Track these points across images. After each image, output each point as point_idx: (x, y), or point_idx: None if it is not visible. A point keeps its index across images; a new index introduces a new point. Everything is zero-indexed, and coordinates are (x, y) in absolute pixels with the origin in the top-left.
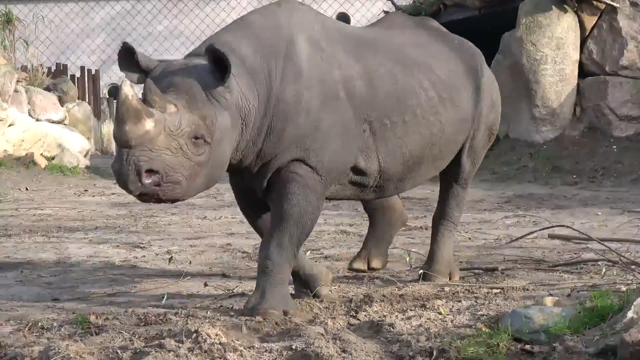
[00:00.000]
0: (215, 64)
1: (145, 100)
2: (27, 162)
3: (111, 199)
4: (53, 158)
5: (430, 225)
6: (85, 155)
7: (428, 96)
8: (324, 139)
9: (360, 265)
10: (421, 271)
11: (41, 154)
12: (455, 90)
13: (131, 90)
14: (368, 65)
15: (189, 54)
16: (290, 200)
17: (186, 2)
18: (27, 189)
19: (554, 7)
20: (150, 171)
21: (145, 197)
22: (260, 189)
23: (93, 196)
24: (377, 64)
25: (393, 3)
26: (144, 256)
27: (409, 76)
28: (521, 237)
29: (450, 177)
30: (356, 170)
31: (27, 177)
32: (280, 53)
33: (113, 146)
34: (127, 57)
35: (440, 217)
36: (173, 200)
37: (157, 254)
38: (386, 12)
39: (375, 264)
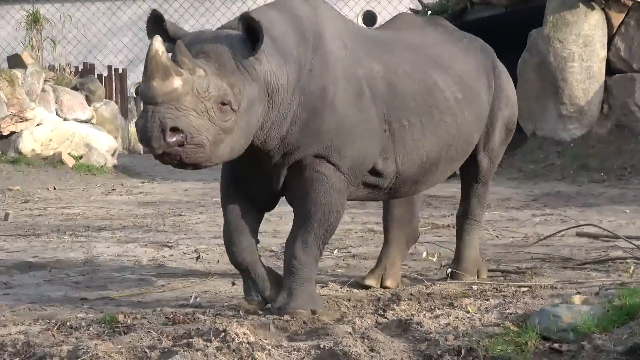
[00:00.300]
0: (247, 32)
1: (174, 61)
2: (54, 161)
3: (139, 198)
4: (81, 157)
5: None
6: (112, 155)
7: (444, 97)
8: (348, 136)
9: (373, 282)
10: (449, 270)
11: (69, 154)
12: (469, 90)
13: (161, 46)
14: (387, 66)
15: (221, 27)
16: (315, 200)
17: (213, 1)
18: (55, 188)
19: (581, 4)
20: (175, 129)
21: (167, 157)
22: (277, 181)
23: (121, 195)
24: (394, 65)
25: (420, 1)
26: (172, 255)
27: (425, 77)
28: (549, 236)
29: (470, 176)
30: (373, 171)
31: (54, 176)
32: (308, 44)
33: (140, 145)
34: (156, 25)
35: (464, 215)
36: (194, 165)
37: (184, 253)
38: (413, 10)
39: (390, 283)
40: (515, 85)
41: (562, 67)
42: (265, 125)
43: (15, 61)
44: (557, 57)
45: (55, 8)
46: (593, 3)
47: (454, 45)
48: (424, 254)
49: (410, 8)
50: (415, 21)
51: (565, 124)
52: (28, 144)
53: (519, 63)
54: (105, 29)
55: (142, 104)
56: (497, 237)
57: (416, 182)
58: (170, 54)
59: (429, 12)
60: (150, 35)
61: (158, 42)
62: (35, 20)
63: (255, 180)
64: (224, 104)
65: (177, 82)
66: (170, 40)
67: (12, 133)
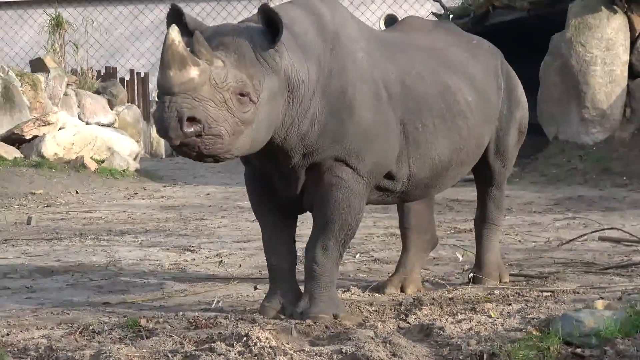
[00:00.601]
0: (267, 24)
1: (192, 51)
2: (77, 165)
3: (161, 202)
4: (103, 161)
5: None
6: (134, 159)
7: (456, 99)
8: (367, 139)
9: (393, 290)
10: (471, 274)
11: (91, 157)
12: (479, 92)
13: (178, 36)
14: (400, 68)
15: (241, 21)
16: (334, 206)
17: (235, 5)
18: (77, 192)
19: (603, 8)
20: (193, 119)
21: (185, 148)
22: (295, 185)
23: (143, 199)
24: (408, 66)
25: (441, 4)
26: (194, 259)
27: (436, 79)
28: (571, 240)
29: (484, 181)
30: (387, 174)
31: (77, 180)
32: (327, 44)
33: (163, 149)
34: (176, 20)
35: (482, 220)
36: (214, 157)
37: (207, 257)
38: (434, 14)
39: (410, 290)
40: (538, 88)
41: (585, 71)
42: (286, 122)
43: (38, 65)
44: (579, 61)
45: (77, 12)
46: (615, 7)
47: (462, 48)
48: (460, 257)
49: (432, 12)
50: (424, 24)
51: (587, 127)
52: (51, 148)
53: (541, 67)
54: (127, 32)
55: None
56: (520, 241)
57: (428, 186)
58: (189, 48)
59: (451, 15)
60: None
61: (175, 32)
62: (57, 24)
63: (277, 184)
64: (242, 95)
65: (194, 72)
66: (190, 34)
67: (35, 137)
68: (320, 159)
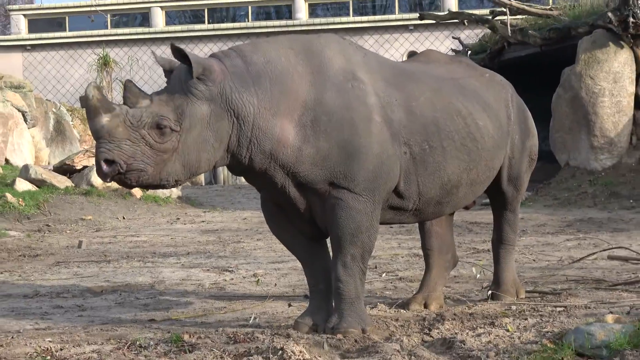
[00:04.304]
0: (182, 60)
1: (123, 97)
2: (124, 193)
3: (201, 227)
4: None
5: None
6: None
7: (466, 123)
8: (354, 160)
9: (417, 307)
10: (489, 292)
11: None
12: (490, 118)
13: (93, 91)
14: (408, 93)
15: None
16: (340, 225)
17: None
18: (124, 217)
19: (611, 44)
20: (109, 161)
21: (119, 183)
22: (300, 208)
23: (184, 224)
24: (417, 93)
25: (460, 42)
26: (232, 279)
27: (447, 105)
28: (582, 259)
29: (498, 205)
30: (397, 193)
31: (124, 207)
32: (305, 77)
33: (202, 177)
34: (164, 61)
35: (498, 241)
36: (149, 186)
37: (244, 277)
38: (454, 50)
39: (433, 307)
40: (550, 118)
41: (594, 102)
42: (242, 142)
43: None
44: (588, 93)
45: (123, 52)
46: (622, 42)
47: (476, 79)
48: (477, 275)
49: (451, 48)
50: (441, 57)
51: (596, 154)
52: (99, 178)
53: (553, 98)
54: None
55: None
56: (534, 260)
57: (439, 203)
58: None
59: (469, 52)
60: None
61: (90, 88)
62: (105, 63)
63: (288, 210)
64: (160, 127)
65: (104, 119)
66: (168, 72)
67: (84, 167)
68: (307, 182)
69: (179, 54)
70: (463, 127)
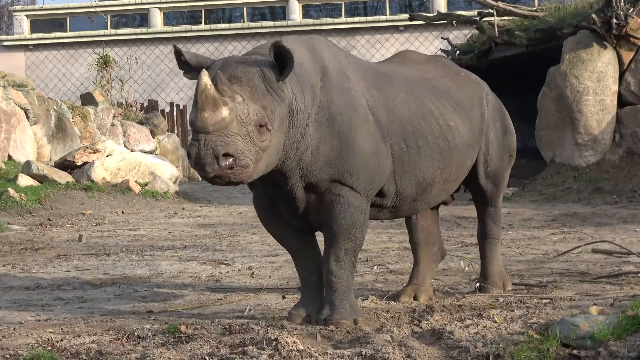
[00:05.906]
0: (277, 58)
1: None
2: (123, 188)
3: (198, 221)
4: (146, 184)
5: None
6: (174, 182)
7: (438, 123)
8: (359, 159)
9: (407, 299)
10: (477, 284)
11: (135, 181)
12: (461, 118)
13: (209, 80)
14: (386, 94)
15: (246, 53)
16: (338, 220)
17: (268, 42)
18: (123, 212)
19: (594, 44)
20: (227, 155)
21: (218, 179)
22: (296, 204)
23: (182, 218)
24: (393, 94)
25: (449, 42)
26: (228, 272)
27: (420, 105)
28: (567, 252)
29: (479, 200)
30: (379, 191)
31: (123, 201)
32: (318, 76)
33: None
34: (179, 59)
35: (483, 235)
36: (238, 183)
37: (239, 270)
38: (443, 51)
39: (423, 299)
40: (536, 116)
41: (578, 100)
42: (287, 144)
43: (88, 99)
44: (573, 92)
45: (123, 51)
46: (605, 43)
47: (449, 79)
48: (465, 268)
49: (440, 49)
50: (417, 57)
51: (581, 151)
52: (99, 173)
53: (539, 97)
54: (167, 69)
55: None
56: (520, 253)
57: (414, 201)
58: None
59: (457, 52)
60: (181, 67)
61: (206, 76)
62: (105, 62)
63: (281, 205)
64: (261, 125)
65: (225, 112)
66: (193, 69)
67: (85, 163)
68: (317, 181)
69: (278, 51)
70: (435, 127)
